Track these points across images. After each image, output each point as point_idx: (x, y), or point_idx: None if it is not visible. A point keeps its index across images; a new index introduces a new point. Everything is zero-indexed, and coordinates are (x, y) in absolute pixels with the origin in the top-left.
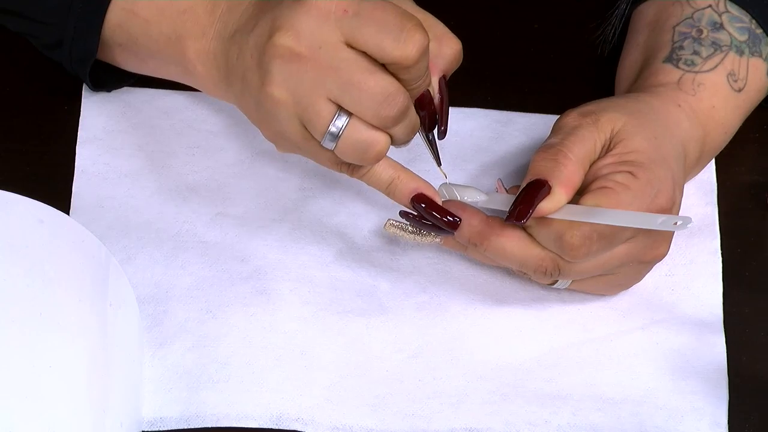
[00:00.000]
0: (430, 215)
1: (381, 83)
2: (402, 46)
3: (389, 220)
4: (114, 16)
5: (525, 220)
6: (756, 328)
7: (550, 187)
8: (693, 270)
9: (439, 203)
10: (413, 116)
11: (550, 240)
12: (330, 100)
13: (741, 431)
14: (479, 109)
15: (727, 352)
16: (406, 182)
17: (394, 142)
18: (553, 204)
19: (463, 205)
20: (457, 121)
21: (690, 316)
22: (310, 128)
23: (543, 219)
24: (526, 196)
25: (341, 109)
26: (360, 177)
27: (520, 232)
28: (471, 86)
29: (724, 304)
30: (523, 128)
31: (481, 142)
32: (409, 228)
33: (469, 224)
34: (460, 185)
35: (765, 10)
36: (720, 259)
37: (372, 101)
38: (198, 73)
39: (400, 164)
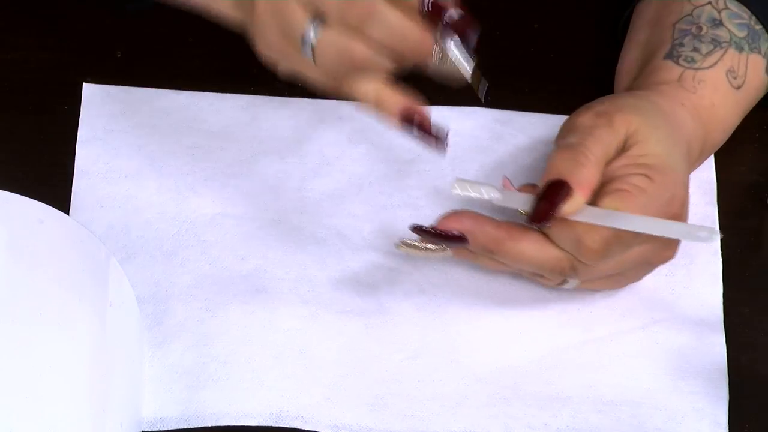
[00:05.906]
0: (421, 134)
1: None
2: None
3: (401, 240)
4: None
5: (549, 222)
6: (756, 328)
7: (570, 188)
8: (693, 270)
9: (429, 120)
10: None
11: (568, 242)
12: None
13: (741, 431)
14: (479, 108)
15: (727, 352)
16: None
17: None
18: (574, 206)
19: (475, 215)
20: (456, 121)
21: (690, 316)
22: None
23: (562, 221)
24: (548, 197)
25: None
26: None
27: (537, 235)
28: (470, 86)
29: (724, 304)
30: (523, 128)
31: (481, 142)
32: (420, 244)
33: (484, 231)
34: (474, 181)
35: (764, 5)
36: (720, 259)
37: None
38: None
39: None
